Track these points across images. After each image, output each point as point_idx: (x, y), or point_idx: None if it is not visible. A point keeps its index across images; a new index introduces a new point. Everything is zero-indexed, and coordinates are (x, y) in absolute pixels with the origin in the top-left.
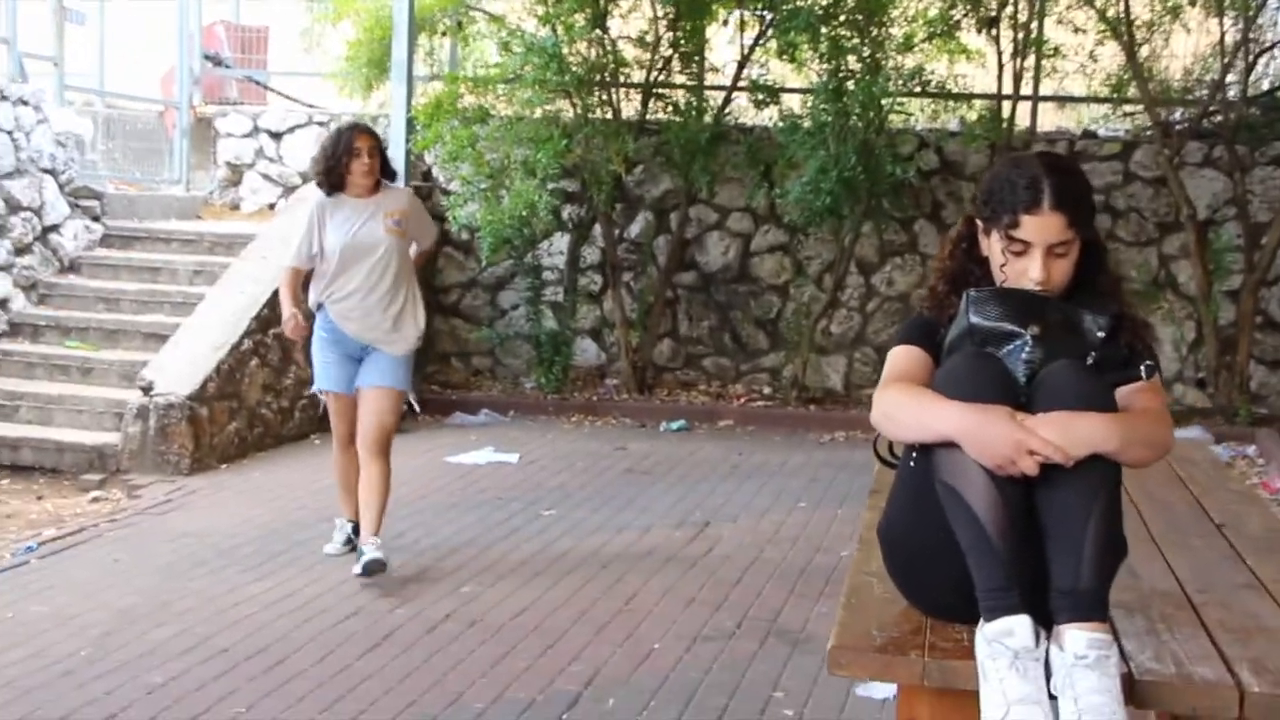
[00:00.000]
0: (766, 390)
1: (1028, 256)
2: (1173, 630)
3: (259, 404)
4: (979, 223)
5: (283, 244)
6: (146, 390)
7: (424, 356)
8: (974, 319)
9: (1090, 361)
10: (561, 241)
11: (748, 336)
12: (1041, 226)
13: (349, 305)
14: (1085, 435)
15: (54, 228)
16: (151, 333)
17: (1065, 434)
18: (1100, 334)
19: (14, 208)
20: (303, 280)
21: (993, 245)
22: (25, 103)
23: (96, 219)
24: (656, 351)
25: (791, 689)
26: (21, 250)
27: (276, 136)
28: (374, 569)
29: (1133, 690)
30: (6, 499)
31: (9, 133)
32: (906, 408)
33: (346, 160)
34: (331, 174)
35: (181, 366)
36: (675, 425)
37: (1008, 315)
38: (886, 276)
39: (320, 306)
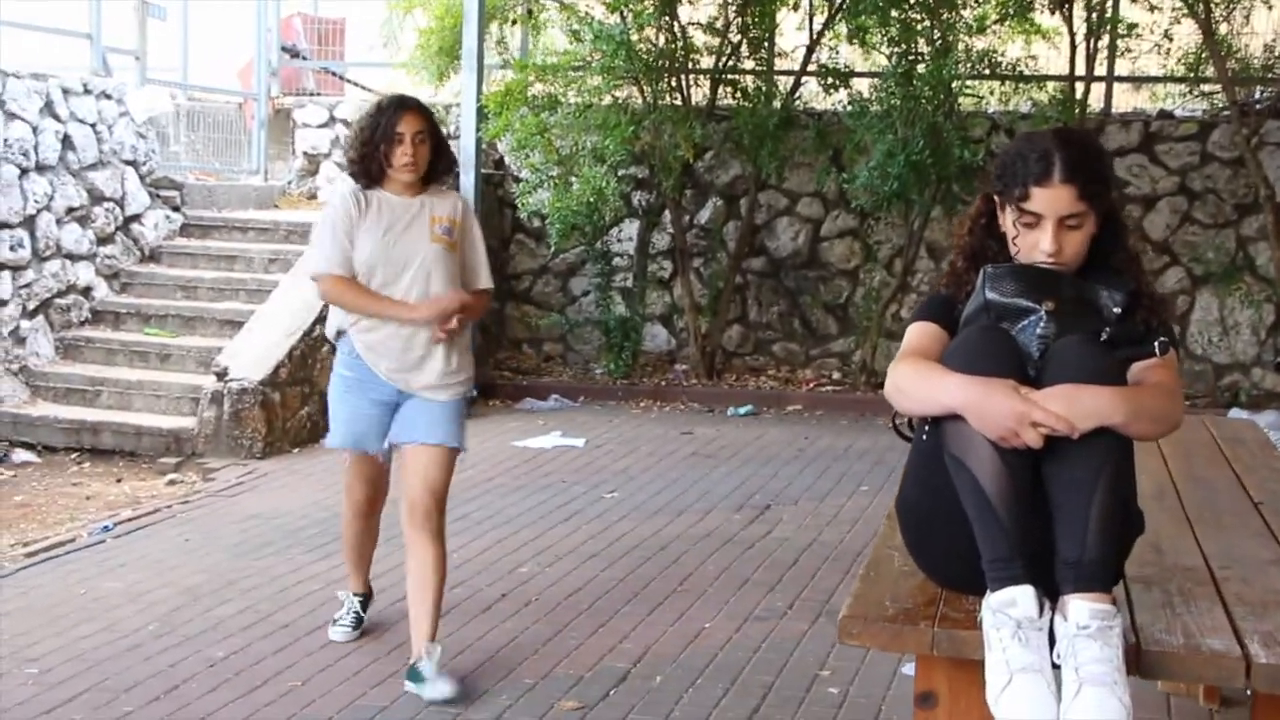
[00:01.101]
0: (835, 375)
1: (1039, 229)
2: (1189, 604)
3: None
4: (996, 199)
5: None
6: (221, 376)
7: (495, 343)
8: (990, 294)
9: (1104, 337)
10: (631, 228)
11: (817, 321)
12: (1052, 199)
13: (382, 337)
14: (1091, 407)
15: (135, 218)
16: (227, 319)
17: (1071, 406)
18: (1116, 309)
19: (97, 198)
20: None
21: (1006, 219)
22: (108, 96)
23: (176, 209)
24: (726, 337)
25: (839, 668)
26: (104, 240)
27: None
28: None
29: (1140, 660)
30: (87, 481)
31: (92, 125)
32: (915, 381)
33: (386, 147)
34: (367, 162)
35: (255, 352)
36: (743, 410)
37: (1023, 291)
38: None
39: (341, 336)
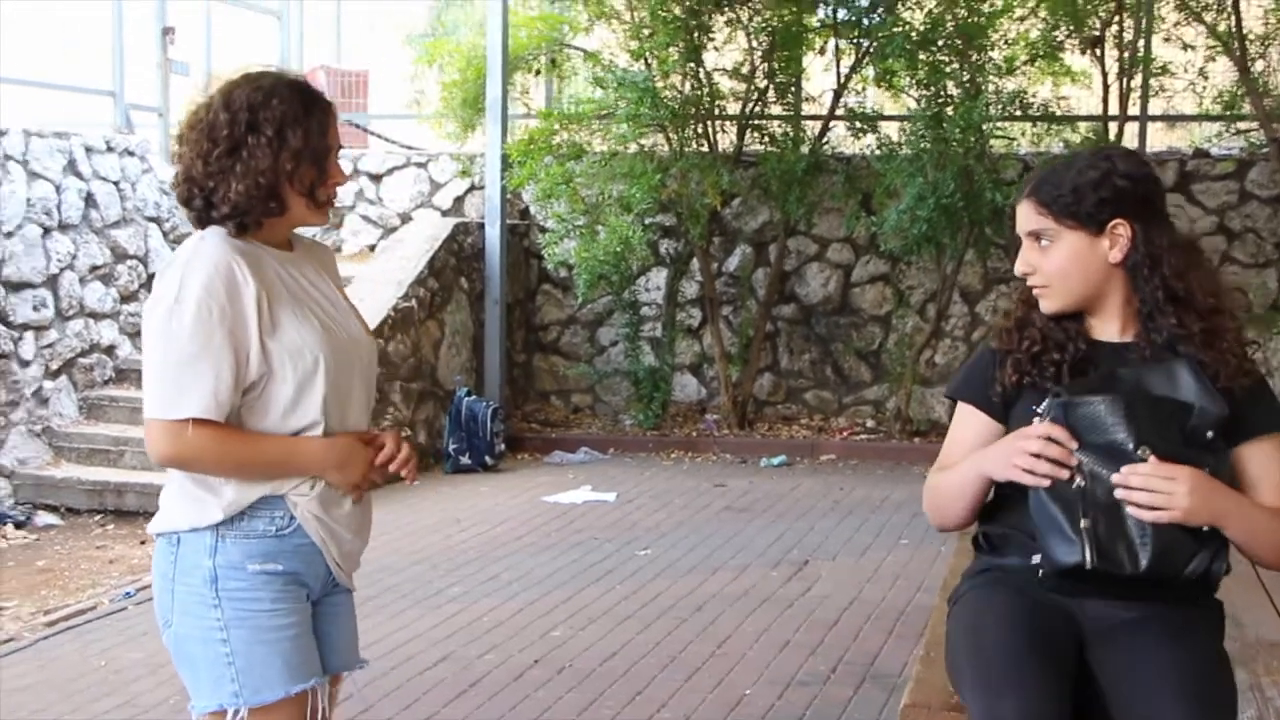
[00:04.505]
0: (869, 423)
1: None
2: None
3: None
4: None
5: (377, 284)
6: None
7: (523, 395)
8: (1079, 430)
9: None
10: (659, 276)
11: (849, 369)
12: (1020, 216)
13: (348, 508)
14: (1221, 506)
15: None
16: None
17: (1195, 490)
18: (1209, 434)
19: (120, 256)
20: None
21: None
22: (131, 154)
23: None
24: (757, 386)
25: None
26: (128, 298)
27: (376, 179)
28: None
29: None
30: (111, 544)
31: (115, 183)
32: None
33: (307, 169)
34: (264, 194)
35: None
36: (775, 461)
37: (1115, 429)
38: (991, 304)
39: (261, 504)
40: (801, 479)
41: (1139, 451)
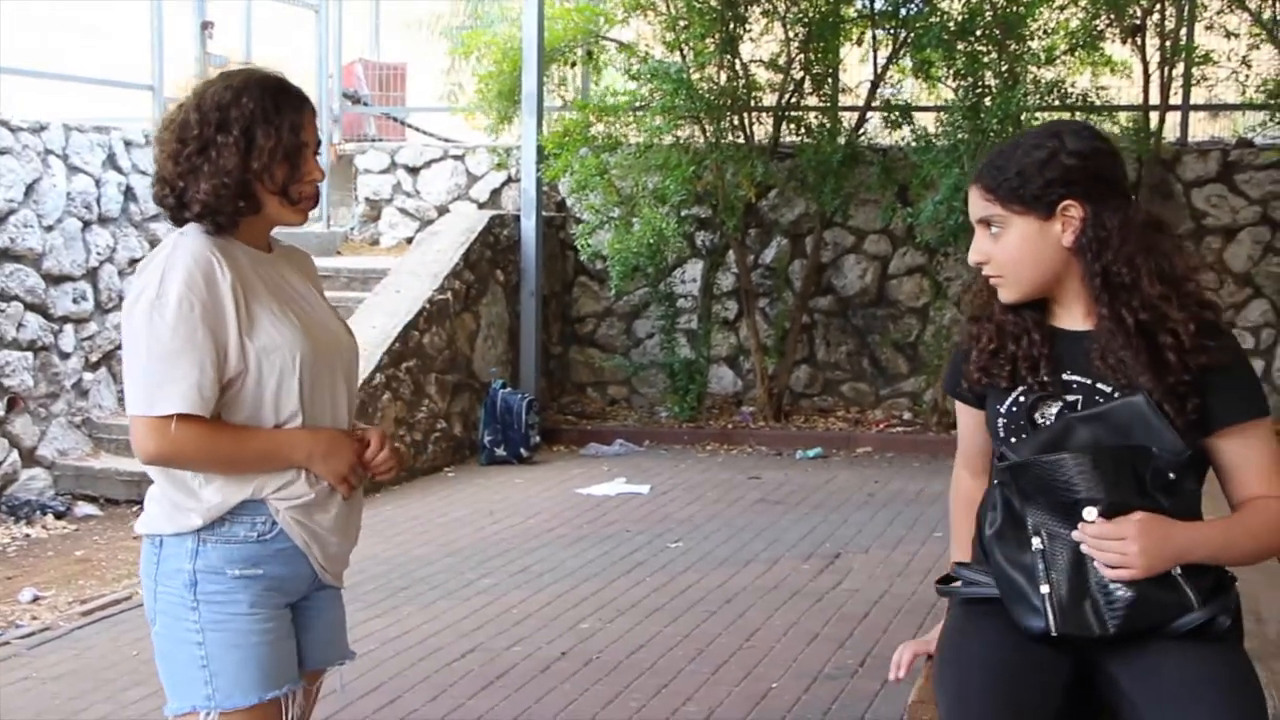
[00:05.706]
0: (906, 416)
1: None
2: None
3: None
4: None
5: (413, 277)
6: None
7: (559, 387)
8: (1019, 505)
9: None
10: (695, 268)
11: (886, 361)
12: (971, 202)
13: (335, 516)
14: (1181, 545)
15: None
16: None
17: (1154, 543)
18: (1171, 475)
19: None
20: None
21: None
22: None
23: None
24: (793, 378)
25: None
26: None
27: (414, 171)
28: None
29: None
30: None
31: None
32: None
33: (280, 165)
34: (238, 191)
35: None
36: (811, 453)
37: (1068, 486)
38: None
39: (242, 509)
40: (837, 471)
41: (1085, 512)
